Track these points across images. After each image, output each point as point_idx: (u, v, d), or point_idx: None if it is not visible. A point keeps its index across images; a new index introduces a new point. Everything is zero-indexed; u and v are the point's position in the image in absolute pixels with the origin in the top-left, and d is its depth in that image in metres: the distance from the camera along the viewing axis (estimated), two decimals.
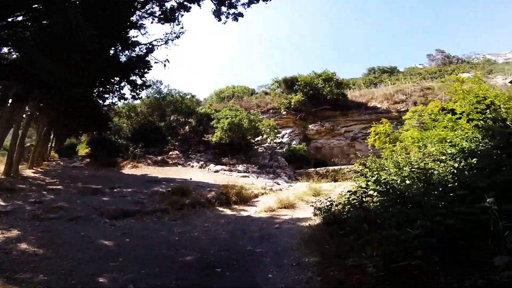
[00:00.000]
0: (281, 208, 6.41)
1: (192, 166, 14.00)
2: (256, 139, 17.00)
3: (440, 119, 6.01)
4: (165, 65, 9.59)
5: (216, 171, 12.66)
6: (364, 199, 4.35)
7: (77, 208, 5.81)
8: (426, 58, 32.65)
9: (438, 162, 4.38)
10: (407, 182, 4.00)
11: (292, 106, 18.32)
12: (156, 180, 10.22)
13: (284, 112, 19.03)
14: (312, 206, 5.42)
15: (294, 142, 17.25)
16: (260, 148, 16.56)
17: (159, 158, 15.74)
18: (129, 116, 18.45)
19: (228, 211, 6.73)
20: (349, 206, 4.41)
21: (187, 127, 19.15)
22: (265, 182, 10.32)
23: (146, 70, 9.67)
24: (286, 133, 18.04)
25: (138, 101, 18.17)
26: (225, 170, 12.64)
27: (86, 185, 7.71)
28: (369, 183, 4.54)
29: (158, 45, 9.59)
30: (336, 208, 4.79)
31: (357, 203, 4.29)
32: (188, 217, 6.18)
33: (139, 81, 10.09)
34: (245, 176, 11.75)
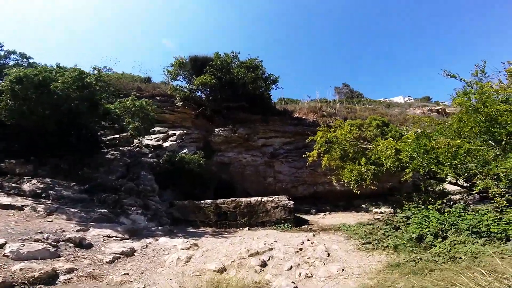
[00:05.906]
0: None
1: None
2: (116, 135, 8.79)
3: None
4: None
5: None
6: None
7: None
8: (332, 90, 35.27)
9: None
10: None
11: (193, 95, 11.48)
12: None
13: (180, 103, 11.86)
14: None
15: (185, 150, 10.07)
16: (113, 152, 8.38)
17: None
18: None
19: None
20: None
21: None
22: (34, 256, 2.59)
23: None
24: (175, 134, 10.70)
25: None
26: None
27: None
28: None
29: None
30: None
31: None
32: None
33: None
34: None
